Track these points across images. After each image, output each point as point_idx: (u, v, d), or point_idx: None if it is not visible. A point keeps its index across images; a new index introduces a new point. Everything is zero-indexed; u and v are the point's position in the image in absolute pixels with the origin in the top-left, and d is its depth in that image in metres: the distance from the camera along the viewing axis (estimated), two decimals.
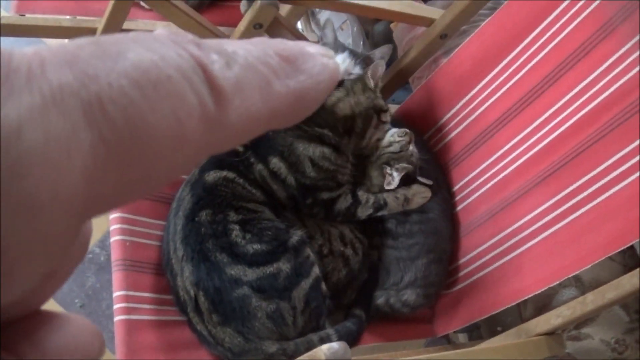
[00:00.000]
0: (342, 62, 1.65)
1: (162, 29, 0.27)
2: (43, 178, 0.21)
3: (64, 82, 0.22)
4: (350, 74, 1.63)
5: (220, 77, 0.25)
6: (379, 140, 1.60)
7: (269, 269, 1.38)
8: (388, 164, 1.56)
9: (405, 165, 1.55)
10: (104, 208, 0.25)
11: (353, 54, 1.68)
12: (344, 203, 1.53)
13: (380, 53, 1.72)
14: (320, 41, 2.04)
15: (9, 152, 0.21)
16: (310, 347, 1.33)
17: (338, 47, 1.70)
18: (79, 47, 0.24)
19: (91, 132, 0.22)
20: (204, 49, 0.26)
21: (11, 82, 0.21)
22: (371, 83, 1.56)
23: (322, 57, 0.30)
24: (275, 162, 1.49)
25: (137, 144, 0.23)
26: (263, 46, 0.28)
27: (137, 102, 0.23)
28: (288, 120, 0.29)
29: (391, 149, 1.58)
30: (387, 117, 1.59)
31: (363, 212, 1.55)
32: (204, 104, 0.25)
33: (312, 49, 0.30)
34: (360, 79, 1.57)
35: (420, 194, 1.58)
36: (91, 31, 1.92)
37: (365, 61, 1.67)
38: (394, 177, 1.54)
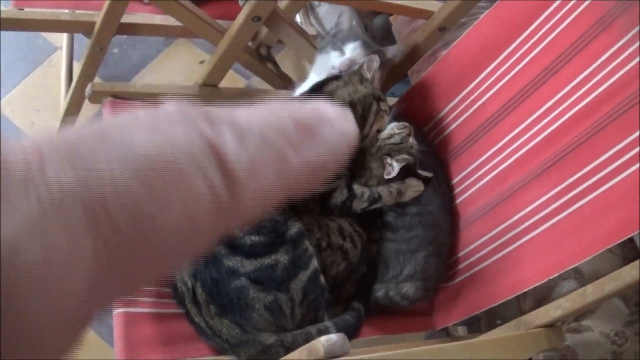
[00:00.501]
0: (353, 50, 1.65)
1: (172, 102, 0.25)
2: (43, 299, 0.20)
3: (64, 184, 0.20)
4: (357, 63, 1.63)
5: (234, 161, 0.24)
6: (379, 131, 1.60)
7: (267, 261, 1.38)
8: (389, 155, 1.56)
9: (405, 156, 1.55)
10: (108, 304, 0.23)
11: (366, 44, 1.68)
12: (339, 197, 1.53)
13: (394, 51, 1.72)
14: (318, 35, 2.04)
15: (6, 274, 0.19)
16: (308, 339, 1.33)
17: (351, 36, 1.70)
18: (80, 137, 0.22)
19: (94, 241, 0.21)
20: (216, 126, 0.24)
21: (7, 189, 0.20)
22: (367, 75, 1.56)
23: (340, 121, 0.29)
24: None
25: (143, 246, 0.22)
26: (279, 113, 0.27)
27: (144, 202, 0.21)
28: (303, 191, 0.28)
29: (392, 140, 1.57)
30: (386, 106, 1.59)
31: (358, 206, 1.54)
32: (217, 194, 0.23)
33: (329, 110, 0.29)
34: (357, 72, 1.57)
35: (413, 187, 1.58)
36: (89, 25, 1.91)
37: (377, 54, 1.67)
38: (394, 167, 1.54)
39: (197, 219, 0.23)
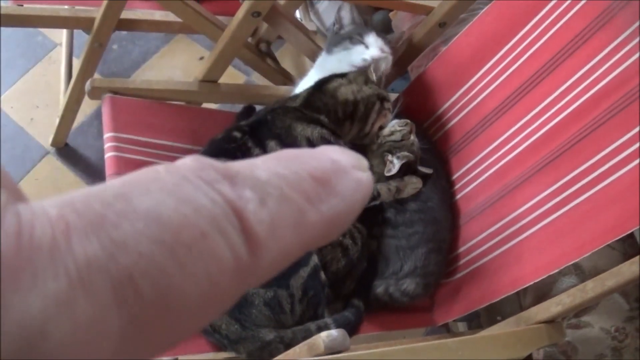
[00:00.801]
0: (375, 40, 1.66)
1: (189, 159, 0.25)
2: None
3: (91, 256, 0.20)
4: (384, 52, 1.65)
5: (256, 222, 0.24)
6: (382, 128, 1.60)
7: None
8: (390, 152, 1.56)
9: (406, 153, 1.55)
10: None
11: (379, 34, 1.69)
12: None
13: (394, 37, 1.73)
14: (318, 31, 2.04)
15: (33, 355, 0.19)
16: (308, 335, 1.33)
17: (363, 28, 1.71)
18: (104, 203, 0.22)
19: (120, 314, 0.20)
20: (237, 186, 0.24)
21: (34, 263, 0.19)
22: (373, 77, 1.57)
23: (356, 172, 0.28)
24: (272, 146, 1.48)
25: (168, 313, 0.22)
26: (296, 167, 0.26)
27: (169, 271, 0.21)
28: (319, 244, 0.28)
29: (393, 137, 1.58)
30: (389, 105, 1.60)
31: None
32: (239, 257, 0.23)
33: (345, 160, 0.28)
34: (363, 72, 1.58)
35: (411, 184, 1.58)
36: (89, 21, 1.91)
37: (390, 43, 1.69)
38: (395, 165, 1.54)
39: (218, 281, 0.23)
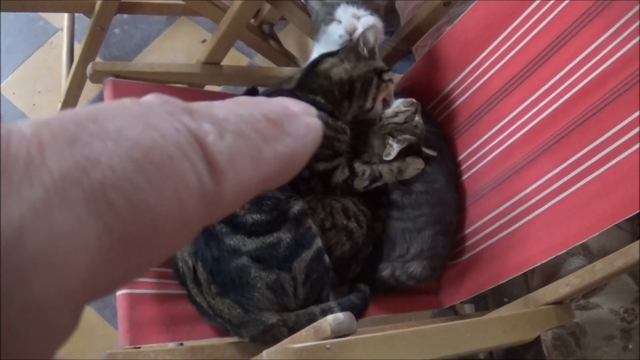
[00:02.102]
0: (344, 11, 1.63)
1: (151, 95, 0.27)
2: (47, 282, 0.20)
3: (64, 169, 0.21)
4: (360, 18, 1.62)
5: (216, 151, 0.25)
6: (386, 101, 1.59)
7: (269, 239, 1.37)
8: (391, 134, 1.55)
9: (407, 136, 1.54)
10: (107, 291, 0.24)
11: (353, 3, 1.66)
12: (341, 176, 1.52)
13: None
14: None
15: (11, 258, 0.19)
16: (311, 319, 1.32)
17: (333, 3, 1.68)
18: (77, 124, 0.23)
19: (96, 225, 0.21)
20: (197, 119, 0.26)
21: (10, 174, 0.20)
22: (365, 52, 1.54)
23: (306, 117, 0.31)
24: None
25: (140, 230, 0.23)
26: (251, 109, 0.28)
27: (141, 187, 0.22)
28: (276, 183, 0.30)
29: (396, 119, 1.56)
30: (389, 75, 1.57)
31: (359, 184, 1.54)
32: (203, 182, 0.25)
33: (295, 107, 0.31)
34: (353, 49, 1.56)
35: (413, 165, 1.57)
36: (90, 5, 1.90)
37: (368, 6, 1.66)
38: (394, 149, 1.53)
39: (186, 202, 0.24)
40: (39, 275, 0.20)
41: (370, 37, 1.54)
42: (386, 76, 1.56)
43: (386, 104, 1.59)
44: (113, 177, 0.22)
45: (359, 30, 1.59)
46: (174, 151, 0.24)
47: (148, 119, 0.24)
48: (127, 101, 0.25)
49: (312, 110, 0.32)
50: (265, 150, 0.28)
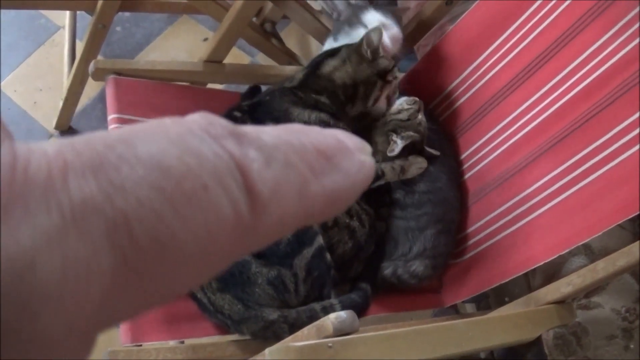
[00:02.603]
0: (373, 18, 1.62)
1: (197, 114, 0.25)
2: (57, 314, 0.20)
3: (87, 195, 0.20)
4: (385, 25, 1.61)
5: (259, 181, 0.24)
6: (390, 97, 1.58)
7: None
8: (394, 131, 1.55)
9: (411, 133, 1.54)
10: (123, 319, 0.23)
11: (378, 6, 1.65)
12: None
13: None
14: (323, 10, 2.01)
15: (20, 289, 0.19)
16: (312, 315, 1.33)
17: (362, 7, 1.67)
18: (107, 145, 0.22)
19: (114, 256, 0.20)
20: (243, 145, 0.24)
21: (26, 198, 0.19)
22: (368, 55, 1.53)
23: (360, 154, 0.29)
24: None
25: (161, 262, 0.22)
26: (302, 138, 0.27)
27: (167, 219, 0.21)
28: (320, 219, 0.28)
29: (399, 116, 1.56)
30: (393, 75, 1.57)
31: None
32: (239, 213, 0.23)
33: (350, 142, 0.29)
34: (357, 50, 1.55)
35: (416, 164, 1.57)
36: (92, 2, 1.90)
37: (394, 13, 1.65)
38: (398, 145, 1.53)
39: (217, 237, 0.23)
40: (48, 307, 0.19)
41: (374, 39, 1.53)
42: (390, 76, 1.56)
43: (389, 101, 1.59)
44: (138, 208, 0.21)
45: (386, 42, 1.58)
46: (210, 180, 0.22)
47: (186, 143, 0.23)
48: (167, 121, 0.24)
49: (367, 147, 0.30)
50: (313, 184, 0.26)
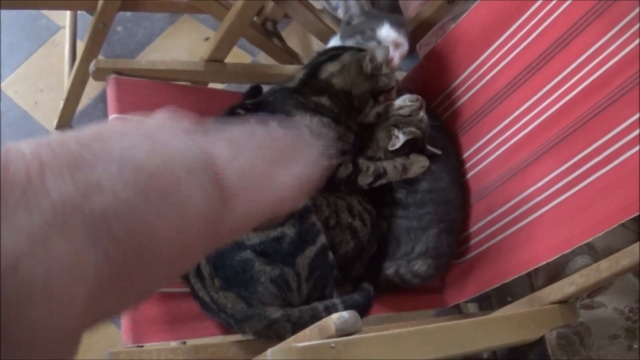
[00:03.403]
0: (388, 33, 1.60)
1: (168, 111, 0.26)
2: (44, 312, 0.20)
3: (65, 195, 0.20)
4: (398, 44, 1.60)
5: (228, 172, 0.25)
6: (389, 107, 1.58)
7: (273, 233, 1.36)
8: (396, 126, 1.54)
9: (413, 129, 1.53)
10: (108, 318, 0.24)
11: (392, 21, 1.64)
12: (344, 171, 1.51)
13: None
14: (324, 10, 2.01)
15: (7, 288, 0.19)
16: (314, 315, 1.32)
17: (376, 19, 1.65)
18: (81, 144, 0.22)
19: (95, 253, 0.21)
20: (211, 138, 0.25)
21: (6, 199, 0.19)
22: (368, 69, 1.51)
23: (318, 143, 0.31)
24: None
25: (141, 257, 0.22)
26: (264, 132, 0.29)
27: (144, 214, 0.22)
28: (291, 205, 0.29)
29: (401, 112, 1.56)
30: (388, 96, 1.56)
31: (363, 181, 1.53)
32: (212, 205, 0.24)
33: (308, 132, 0.31)
34: (358, 60, 1.52)
35: (418, 163, 1.56)
36: (92, 2, 1.89)
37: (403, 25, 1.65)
38: (400, 139, 1.52)
39: (192, 227, 0.23)
40: (34, 308, 0.19)
41: (379, 57, 1.51)
42: (382, 98, 1.54)
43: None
44: (115, 204, 0.21)
45: (396, 62, 1.57)
46: (182, 174, 0.23)
47: (158, 138, 0.23)
48: (136, 119, 0.25)
49: (325, 135, 0.32)
50: (280, 172, 0.27)
